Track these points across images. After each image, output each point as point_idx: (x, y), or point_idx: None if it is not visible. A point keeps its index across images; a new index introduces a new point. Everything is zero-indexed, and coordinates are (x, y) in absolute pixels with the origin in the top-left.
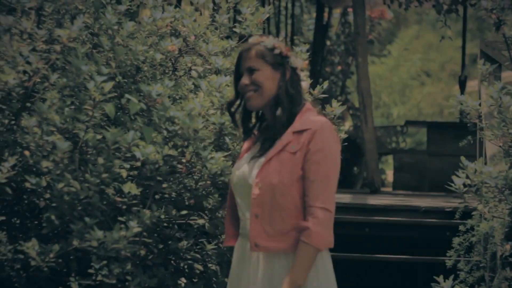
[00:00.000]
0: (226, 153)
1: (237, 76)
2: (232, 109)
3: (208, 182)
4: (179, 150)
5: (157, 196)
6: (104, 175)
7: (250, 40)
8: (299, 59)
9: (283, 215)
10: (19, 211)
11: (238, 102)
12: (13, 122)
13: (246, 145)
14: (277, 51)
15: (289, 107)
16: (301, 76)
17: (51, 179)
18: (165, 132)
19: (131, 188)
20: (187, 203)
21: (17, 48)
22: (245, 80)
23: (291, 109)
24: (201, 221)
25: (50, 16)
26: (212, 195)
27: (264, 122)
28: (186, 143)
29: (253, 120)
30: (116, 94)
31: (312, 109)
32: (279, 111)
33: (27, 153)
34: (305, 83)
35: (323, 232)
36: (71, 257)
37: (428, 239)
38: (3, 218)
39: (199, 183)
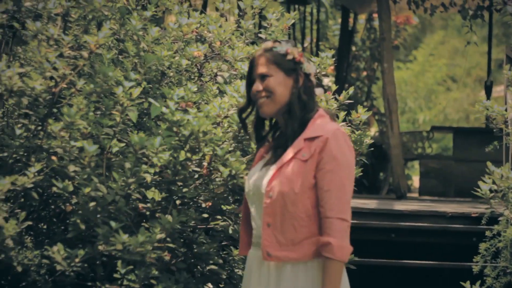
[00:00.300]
0: (247, 155)
1: (249, 82)
2: (244, 115)
3: (222, 184)
4: (200, 154)
5: (178, 201)
6: (131, 180)
7: (263, 45)
8: (313, 65)
9: (295, 224)
10: (45, 216)
11: (249, 109)
12: (39, 127)
13: (260, 152)
14: (289, 57)
15: (301, 113)
16: (314, 82)
17: (77, 183)
18: (177, 136)
19: (154, 194)
20: (204, 205)
21: (44, 54)
22: (257, 86)
23: (303, 116)
24: (223, 224)
25: (76, 22)
26: (228, 198)
27: (278, 130)
28: (199, 146)
29: (267, 128)
30: (143, 99)
31: (324, 116)
32: (291, 117)
33: (54, 158)
34: (319, 90)
35: (345, 245)
36: (97, 262)
37: (454, 245)
38: (30, 223)
39: (214, 185)
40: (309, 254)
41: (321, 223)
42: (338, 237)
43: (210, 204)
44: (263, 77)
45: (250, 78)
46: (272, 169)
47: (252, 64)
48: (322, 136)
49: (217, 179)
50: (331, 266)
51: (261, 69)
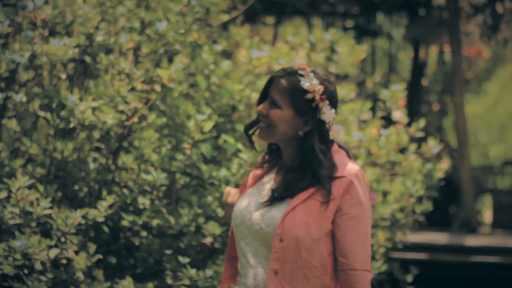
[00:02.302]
0: None
1: (263, 96)
2: (250, 132)
3: None
4: None
5: None
6: (199, 211)
7: (292, 63)
8: (333, 113)
9: (308, 274)
10: (115, 250)
11: (252, 121)
12: (111, 161)
13: (253, 174)
14: (309, 96)
15: (321, 167)
16: (330, 130)
17: (147, 216)
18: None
19: (214, 228)
20: None
21: (116, 88)
22: (263, 109)
23: (322, 164)
24: None
25: (148, 56)
26: None
27: (278, 158)
28: None
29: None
30: (214, 134)
31: (340, 151)
32: (312, 169)
33: (125, 190)
34: (338, 127)
35: None
36: None
37: None
38: (100, 256)
39: None
40: None
41: (339, 275)
42: None
43: None
44: (273, 104)
45: (265, 93)
46: (282, 206)
47: (270, 83)
48: (346, 178)
49: None
50: None
51: (274, 93)
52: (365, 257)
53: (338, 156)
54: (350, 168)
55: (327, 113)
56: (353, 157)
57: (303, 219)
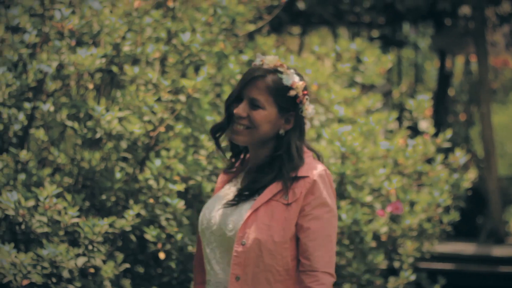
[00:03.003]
0: (348, 201)
1: (237, 97)
2: (217, 134)
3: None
4: None
5: None
6: None
7: (267, 60)
8: (312, 109)
9: (271, 278)
10: (142, 259)
11: (221, 122)
12: (138, 170)
13: (221, 178)
14: (292, 93)
15: (294, 163)
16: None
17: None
18: None
19: None
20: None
21: (142, 98)
22: (242, 111)
23: (298, 163)
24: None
25: (174, 66)
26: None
27: (246, 161)
28: None
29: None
30: None
31: (308, 152)
32: (286, 164)
33: (151, 200)
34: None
35: None
36: None
37: None
38: (127, 265)
39: None
40: None
41: (300, 277)
42: None
43: None
44: (254, 105)
45: (239, 92)
46: (245, 209)
47: (246, 81)
48: (309, 178)
49: None
50: None
51: (255, 93)
52: (327, 259)
53: (305, 156)
54: (314, 168)
55: (308, 109)
56: (321, 159)
57: (266, 222)
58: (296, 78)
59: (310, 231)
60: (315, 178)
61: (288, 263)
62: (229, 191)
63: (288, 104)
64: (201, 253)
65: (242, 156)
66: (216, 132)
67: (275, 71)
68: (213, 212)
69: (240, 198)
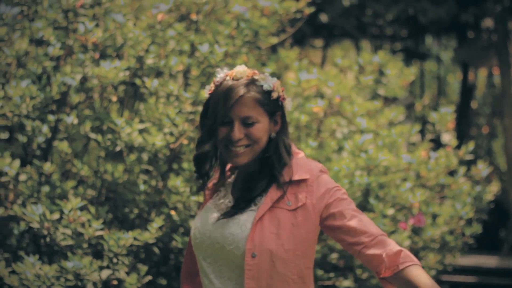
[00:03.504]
0: (371, 215)
1: (225, 123)
2: (202, 163)
3: None
4: None
5: None
6: None
7: (239, 73)
8: (290, 101)
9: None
10: (165, 272)
11: (208, 147)
12: (160, 183)
13: (210, 187)
14: (275, 95)
15: (284, 162)
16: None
17: None
18: None
19: None
20: (335, 262)
21: (163, 111)
22: (238, 133)
23: (286, 161)
24: (346, 283)
25: (197, 79)
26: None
27: (233, 167)
28: None
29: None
30: None
31: (299, 152)
32: (277, 167)
33: (173, 212)
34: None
35: None
36: None
37: None
38: (150, 277)
39: None
40: None
41: (363, 257)
42: (399, 246)
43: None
44: (248, 123)
45: (226, 120)
46: (245, 220)
47: (232, 103)
48: (309, 180)
49: None
50: (420, 271)
51: (245, 111)
52: (374, 226)
53: (298, 157)
54: (310, 168)
55: (288, 103)
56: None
57: (273, 231)
58: (273, 79)
59: (343, 213)
60: (317, 175)
61: (302, 271)
62: (219, 202)
63: (274, 107)
64: (190, 266)
65: (216, 169)
66: (202, 162)
67: (252, 81)
68: (208, 225)
69: (237, 209)
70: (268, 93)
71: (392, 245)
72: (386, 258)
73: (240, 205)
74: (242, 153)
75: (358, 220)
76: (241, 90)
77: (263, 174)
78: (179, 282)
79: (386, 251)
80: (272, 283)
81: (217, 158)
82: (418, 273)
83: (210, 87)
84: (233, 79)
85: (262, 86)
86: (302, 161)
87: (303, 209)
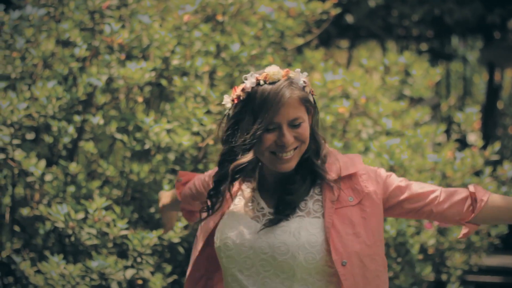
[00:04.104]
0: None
1: (270, 129)
2: (237, 175)
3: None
4: None
5: None
6: None
7: (274, 75)
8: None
9: (379, 283)
10: None
11: (248, 160)
12: None
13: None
14: (308, 89)
15: (321, 157)
16: None
17: None
18: None
19: None
20: None
21: (191, 110)
22: (290, 137)
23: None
24: None
25: (222, 80)
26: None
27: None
28: None
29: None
30: None
31: (334, 150)
32: (317, 163)
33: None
34: None
35: None
36: None
37: None
38: (175, 277)
39: None
40: None
41: (437, 214)
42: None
43: None
44: (295, 125)
45: (272, 126)
46: (300, 227)
47: (279, 108)
48: (358, 172)
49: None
50: (495, 194)
51: (293, 113)
52: (426, 183)
53: (334, 153)
54: (353, 158)
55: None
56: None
57: (349, 232)
58: (303, 74)
59: (400, 187)
60: (361, 164)
61: (384, 259)
62: (247, 208)
63: (310, 101)
64: (197, 276)
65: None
66: (238, 173)
67: (290, 80)
68: (245, 234)
69: (282, 215)
70: (304, 89)
71: (454, 188)
72: (469, 198)
73: (285, 211)
74: (291, 158)
75: (415, 185)
76: (286, 93)
77: (302, 176)
78: None
79: (462, 194)
80: (368, 283)
81: (254, 169)
82: (498, 196)
83: (238, 95)
84: (268, 82)
85: (298, 83)
86: (340, 155)
87: (368, 199)
